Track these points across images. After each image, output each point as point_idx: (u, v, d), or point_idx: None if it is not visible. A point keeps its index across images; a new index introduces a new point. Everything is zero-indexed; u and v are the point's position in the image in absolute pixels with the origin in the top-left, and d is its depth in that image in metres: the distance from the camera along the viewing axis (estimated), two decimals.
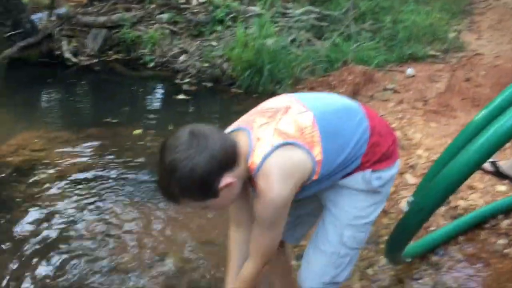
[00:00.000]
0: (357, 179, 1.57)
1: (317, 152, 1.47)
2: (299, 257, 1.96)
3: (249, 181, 1.49)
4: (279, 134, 1.44)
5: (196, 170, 1.32)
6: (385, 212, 2.78)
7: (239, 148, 1.42)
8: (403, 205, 2.68)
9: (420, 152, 3.22)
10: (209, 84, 5.06)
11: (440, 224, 2.56)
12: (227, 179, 1.37)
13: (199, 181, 1.34)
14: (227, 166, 1.37)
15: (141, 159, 3.48)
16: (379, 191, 1.60)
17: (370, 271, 2.36)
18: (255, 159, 1.42)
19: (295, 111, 1.50)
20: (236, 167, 1.40)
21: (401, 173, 3.05)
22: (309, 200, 1.71)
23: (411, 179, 2.98)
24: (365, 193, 1.59)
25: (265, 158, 1.41)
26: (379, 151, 1.58)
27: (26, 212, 2.84)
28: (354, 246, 1.62)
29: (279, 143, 1.43)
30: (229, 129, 1.55)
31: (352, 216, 1.60)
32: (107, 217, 2.84)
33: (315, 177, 1.50)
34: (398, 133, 3.48)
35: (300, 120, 1.48)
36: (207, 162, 1.32)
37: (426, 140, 3.35)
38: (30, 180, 3.16)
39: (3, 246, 2.56)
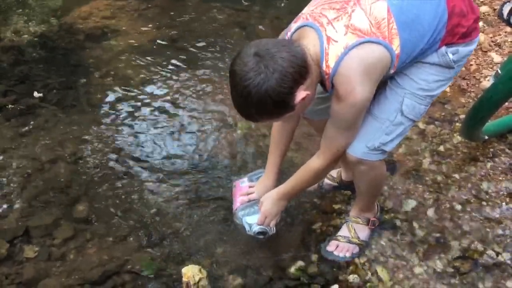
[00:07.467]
0: (432, 55, 1.48)
1: (396, 45, 1.36)
2: None
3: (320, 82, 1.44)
4: (353, 32, 1.34)
5: (270, 93, 1.29)
6: (463, 91, 2.62)
7: (309, 54, 1.35)
8: (487, 81, 2.51)
9: (510, 29, 2.93)
10: None
11: None
12: (301, 94, 1.34)
13: (275, 103, 1.32)
14: (299, 80, 1.32)
15: (207, 29, 3.41)
16: (452, 67, 1.50)
17: (441, 148, 2.29)
18: (330, 63, 1.35)
19: (367, 0, 1.37)
20: (309, 77, 1.35)
21: (485, 51, 2.83)
22: None
23: (497, 57, 2.75)
24: (437, 68, 1.49)
25: (339, 61, 1.33)
26: (458, 32, 1.45)
27: (99, 76, 2.92)
28: (410, 116, 1.54)
29: (353, 43, 1.33)
30: (295, 25, 1.45)
31: (417, 87, 1.52)
32: (173, 85, 2.87)
33: (392, 71, 1.42)
34: (486, 8, 3.17)
35: (375, 11, 1.35)
36: (279, 84, 1.29)
37: None
38: (102, 47, 3.21)
39: (80, 107, 2.67)
